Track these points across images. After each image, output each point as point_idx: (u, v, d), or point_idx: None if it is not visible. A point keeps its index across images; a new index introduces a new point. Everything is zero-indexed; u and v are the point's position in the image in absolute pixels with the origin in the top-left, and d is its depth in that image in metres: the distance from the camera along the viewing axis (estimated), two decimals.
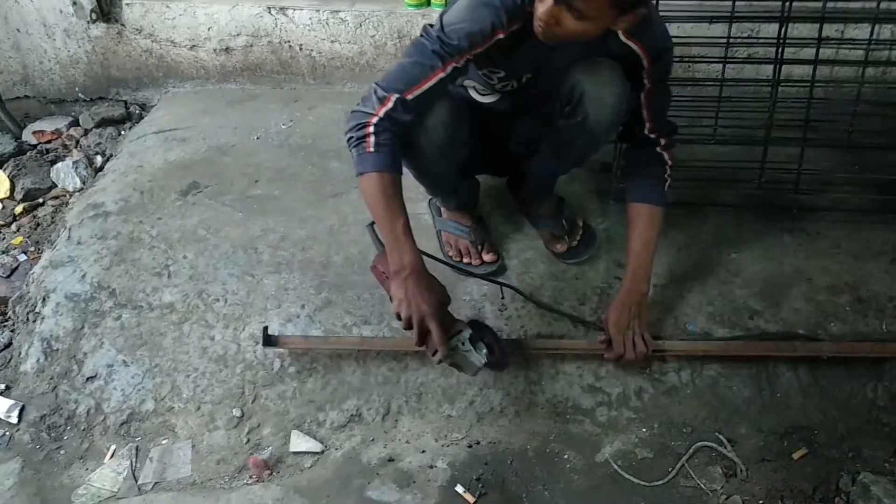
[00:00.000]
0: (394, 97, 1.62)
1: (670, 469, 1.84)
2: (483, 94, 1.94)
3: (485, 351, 1.72)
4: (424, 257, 1.71)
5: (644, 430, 1.91)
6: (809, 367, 1.96)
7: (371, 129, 1.62)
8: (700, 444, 1.87)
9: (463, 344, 1.70)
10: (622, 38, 1.69)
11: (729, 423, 1.92)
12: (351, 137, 1.65)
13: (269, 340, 1.92)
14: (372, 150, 1.62)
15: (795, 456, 1.86)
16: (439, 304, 1.66)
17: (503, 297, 2.06)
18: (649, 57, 1.73)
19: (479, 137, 1.99)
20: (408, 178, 2.11)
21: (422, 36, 1.66)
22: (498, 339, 1.79)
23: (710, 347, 1.96)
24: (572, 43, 1.64)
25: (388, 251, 1.67)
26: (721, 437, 1.89)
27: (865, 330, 2.01)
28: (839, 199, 2.35)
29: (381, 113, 1.62)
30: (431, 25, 1.66)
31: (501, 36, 1.64)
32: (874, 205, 2.34)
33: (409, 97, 1.64)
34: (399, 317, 1.67)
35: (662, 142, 1.87)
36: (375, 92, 1.64)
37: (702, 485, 1.81)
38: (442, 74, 1.64)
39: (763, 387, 1.95)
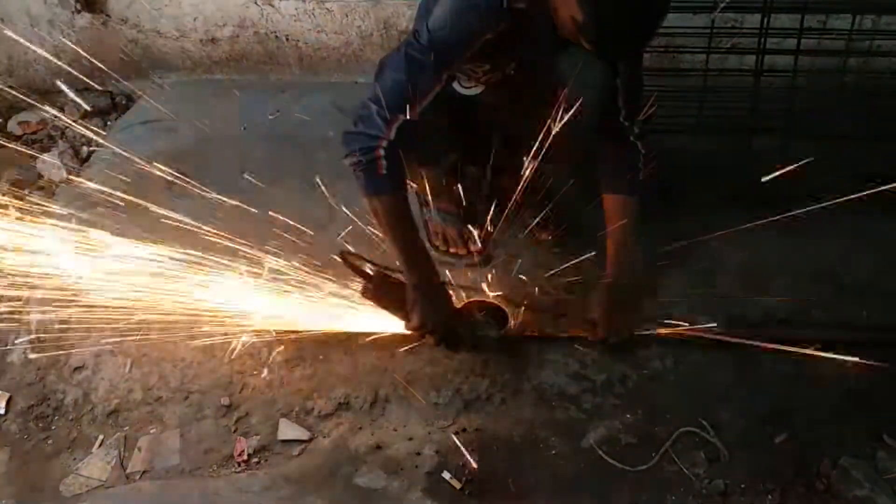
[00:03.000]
0: (400, 118, 1.61)
1: (654, 454, 1.86)
2: (466, 88, 1.94)
3: (495, 329, 1.90)
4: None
5: (628, 416, 1.93)
6: (791, 354, 1.98)
7: (381, 152, 1.61)
8: (683, 429, 1.89)
9: (478, 328, 1.88)
10: None
11: (712, 408, 1.94)
12: (359, 161, 1.63)
13: None
14: (384, 172, 1.63)
15: (777, 440, 1.88)
16: (454, 307, 1.78)
17: (491, 288, 2.07)
18: None
19: (465, 130, 2.00)
20: None
21: (410, 45, 1.63)
22: (491, 304, 1.94)
23: (693, 334, 1.98)
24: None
25: (405, 267, 1.74)
26: (704, 422, 1.91)
27: (846, 317, 2.04)
28: (821, 189, 2.37)
29: (392, 135, 1.61)
30: (417, 33, 1.64)
31: (490, 37, 1.64)
32: (856, 193, 2.36)
33: (414, 115, 1.63)
34: (420, 328, 1.79)
35: (635, 130, 1.88)
36: (378, 113, 1.61)
37: (685, 469, 1.83)
38: (440, 87, 1.65)
39: (745, 373, 1.97)
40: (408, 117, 1.62)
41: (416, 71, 1.62)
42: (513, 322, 1.93)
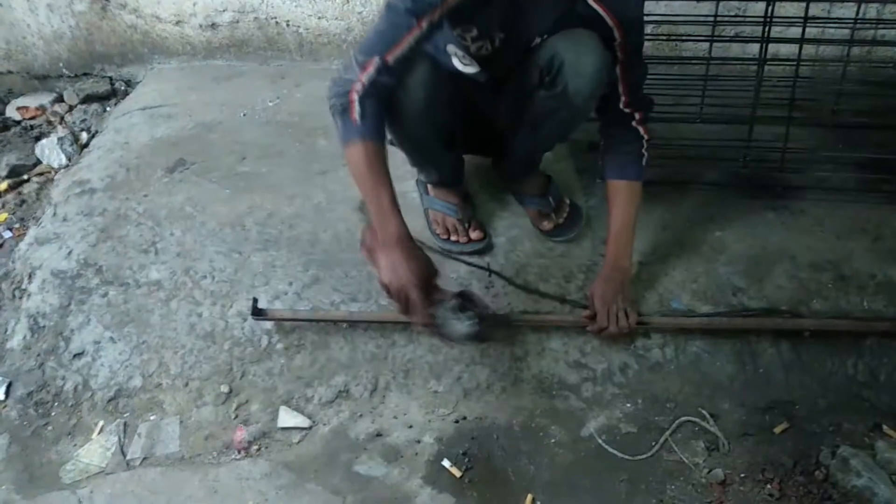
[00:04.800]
0: (375, 61, 1.62)
1: (654, 443, 1.86)
2: (466, 65, 1.94)
3: (467, 322, 1.67)
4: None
5: (628, 405, 1.94)
6: (791, 343, 1.98)
7: (355, 96, 1.61)
8: (683, 418, 1.90)
9: (448, 312, 1.67)
10: (589, 1, 1.69)
11: (712, 398, 1.94)
12: (334, 106, 1.64)
13: (258, 312, 1.93)
14: (357, 118, 1.62)
15: (777, 430, 1.89)
16: (423, 274, 1.64)
17: (490, 275, 2.07)
18: (621, 27, 1.72)
19: (464, 114, 1.99)
20: (396, 157, 2.11)
21: None
22: (486, 309, 1.76)
23: (693, 323, 1.98)
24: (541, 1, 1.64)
25: (374, 222, 1.66)
26: (704, 411, 1.91)
27: (847, 307, 2.04)
28: (823, 178, 2.38)
29: (364, 79, 1.61)
30: None
31: None
32: (857, 183, 2.36)
33: (390, 59, 1.63)
34: (385, 288, 1.65)
35: (637, 116, 1.87)
36: (355, 58, 1.63)
37: (684, 459, 1.83)
38: (418, 32, 1.63)
39: (745, 362, 1.97)
40: (382, 60, 1.62)
41: (393, 16, 1.63)
42: (484, 328, 1.74)
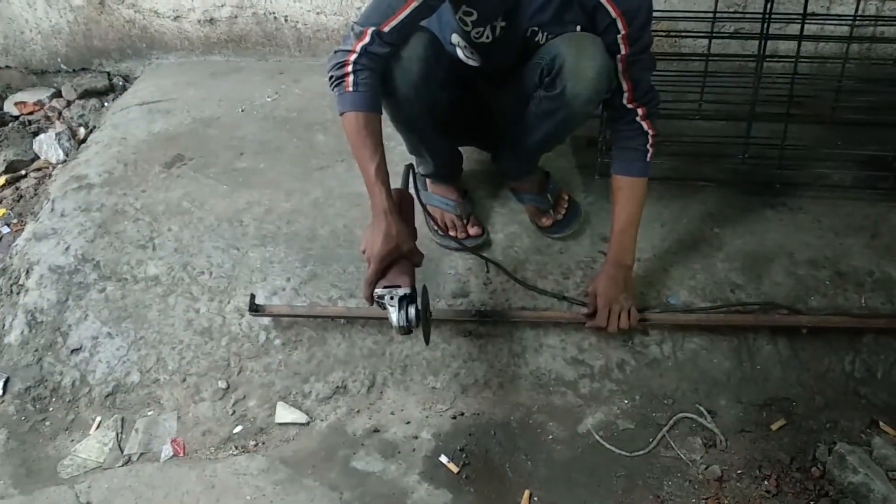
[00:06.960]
0: (370, 31, 1.63)
1: (651, 440, 1.86)
2: (468, 57, 1.93)
3: (405, 315, 1.62)
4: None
5: (626, 401, 1.94)
6: (789, 340, 1.99)
7: (350, 67, 1.63)
8: (680, 415, 1.90)
9: (392, 298, 1.63)
10: None
11: (709, 394, 1.94)
12: (332, 77, 1.66)
13: (255, 308, 1.93)
14: (351, 89, 1.64)
15: (774, 427, 1.89)
16: (391, 250, 1.65)
17: (488, 272, 2.07)
18: (623, 18, 1.71)
19: (465, 105, 1.98)
20: (394, 153, 2.11)
21: None
22: (427, 318, 1.72)
23: (691, 319, 1.98)
24: None
25: (367, 189, 1.69)
26: (701, 408, 1.91)
27: (844, 304, 2.04)
28: (821, 175, 2.37)
29: (359, 49, 1.63)
30: None
31: None
32: (856, 180, 2.36)
33: (386, 29, 1.65)
34: (362, 250, 1.69)
35: (640, 112, 1.85)
36: (353, 29, 1.66)
37: (682, 455, 1.84)
38: (415, 3, 1.65)
39: (743, 359, 1.97)
40: (378, 29, 1.63)
41: None
42: (415, 329, 1.67)
